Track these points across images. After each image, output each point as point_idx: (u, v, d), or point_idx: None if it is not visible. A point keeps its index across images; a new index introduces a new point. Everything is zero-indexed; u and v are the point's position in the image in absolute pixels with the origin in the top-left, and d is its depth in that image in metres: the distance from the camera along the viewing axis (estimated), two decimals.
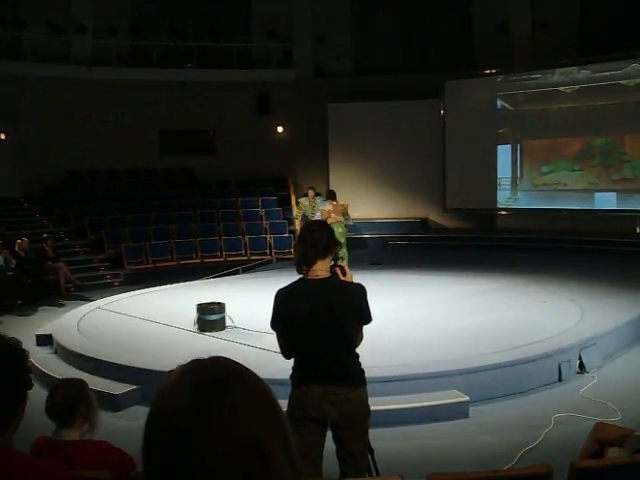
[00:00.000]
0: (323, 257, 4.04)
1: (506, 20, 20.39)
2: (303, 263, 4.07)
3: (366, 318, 4.09)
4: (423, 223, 20.87)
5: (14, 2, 19.72)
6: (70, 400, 3.48)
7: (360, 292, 4.08)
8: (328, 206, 14.35)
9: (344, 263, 4.46)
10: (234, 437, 1.01)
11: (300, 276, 4.13)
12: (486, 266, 14.76)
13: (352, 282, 4.15)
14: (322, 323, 3.96)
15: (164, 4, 21.50)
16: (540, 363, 7.83)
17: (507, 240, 18.40)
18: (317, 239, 4.01)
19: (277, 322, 4.11)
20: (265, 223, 19.08)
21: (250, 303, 10.77)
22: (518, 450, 5.97)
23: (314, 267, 4.04)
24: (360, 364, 4.16)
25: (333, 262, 4.15)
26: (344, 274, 4.13)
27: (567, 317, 9.60)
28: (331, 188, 16.23)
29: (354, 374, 4.10)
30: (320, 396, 4.01)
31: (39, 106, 19.42)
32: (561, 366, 7.90)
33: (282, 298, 4.10)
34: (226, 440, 1.01)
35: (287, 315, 4.06)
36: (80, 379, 3.85)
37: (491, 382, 7.42)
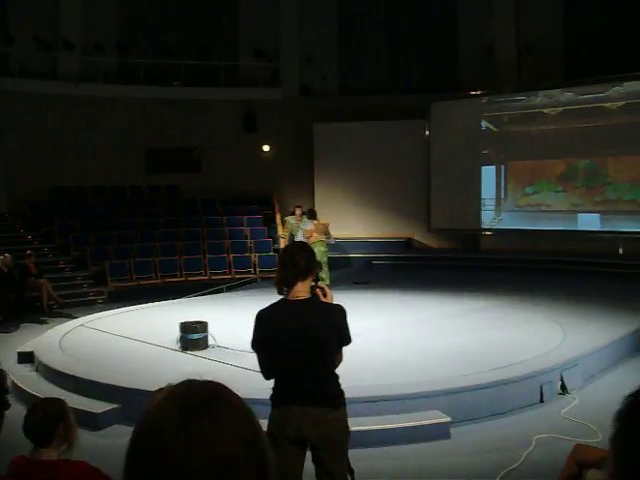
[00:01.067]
0: (304, 278, 4.06)
1: (491, 42, 20.59)
2: (284, 284, 4.10)
3: (345, 339, 4.10)
4: (407, 243, 20.91)
5: (2, 18, 19.75)
6: (49, 420, 3.46)
7: (340, 313, 4.10)
8: (310, 225, 14.40)
9: (325, 284, 4.48)
10: (209, 457, 1.03)
11: (281, 297, 4.15)
12: (469, 286, 14.81)
13: (332, 303, 4.17)
14: (302, 344, 3.97)
15: (152, 22, 21.58)
16: (522, 384, 7.85)
17: (491, 260, 18.49)
18: (298, 260, 4.04)
19: (257, 343, 4.12)
20: (250, 242, 19.06)
21: (233, 322, 10.75)
22: (498, 471, 5.98)
23: (295, 288, 4.06)
24: (340, 385, 4.17)
25: (314, 283, 4.18)
26: (325, 295, 4.16)
27: (549, 338, 9.64)
28: (311, 207, 16.22)
29: (334, 395, 4.11)
30: (299, 417, 4.01)
31: (25, 122, 19.41)
32: (543, 387, 7.93)
33: (262, 319, 4.12)
34: (202, 460, 1.03)
35: (267, 336, 4.07)
36: (59, 398, 3.83)
37: (473, 403, 7.44)
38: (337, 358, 4.12)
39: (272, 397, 4.18)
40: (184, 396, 1.11)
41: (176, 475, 1.03)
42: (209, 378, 1.19)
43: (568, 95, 18.49)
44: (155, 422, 1.08)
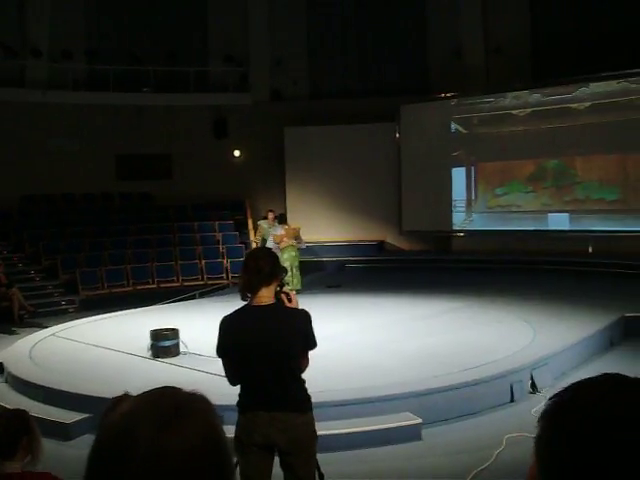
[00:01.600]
0: (268, 284, 4.06)
1: (460, 45, 20.72)
2: (247, 290, 4.10)
3: (311, 343, 4.11)
4: (380, 245, 20.97)
5: None
6: (12, 432, 3.44)
7: (305, 318, 4.10)
8: (280, 230, 14.41)
9: (290, 289, 4.49)
10: (177, 469, 1.03)
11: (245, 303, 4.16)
12: (441, 287, 14.87)
13: (297, 308, 4.18)
14: (267, 349, 3.98)
15: (120, 28, 21.46)
16: (492, 384, 7.91)
17: (463, 262, 18.61)
18: (261, 266, 4.04)
19: (222, 349, 4.13)
20: (222, 247, 19.01)
21: (205, 328, 10.68)
22: (469, 472, 6.02)
23: (259, 294, 4.06)
24: (306, 390, 4.17)
25: (279, 288, 4.18)
26: (290, 300, 4.16)
27: (520, 337, 9.72)
28: (282, 212, 16.23)
29: (300, 400, 4.12)
30: (267, 423, 4.02)
31: None
32: (513, 386, 8.00)
33: (227, 325, 4.12)
34: (169, 471, 1.03)
35: (232, 342, 4.08)
36: (22, 410, 3.80)
37: (444, 404, 7.48)
38: (303, 363, 4.13)
39: (238, 403, 4.18)
40: (156, 405, 1.10)
41: None
42: (184, 386, 1.18)
43: (536, 96, 18.66)
44: (124, 430, 1.07)
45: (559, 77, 18.25)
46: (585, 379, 1.11)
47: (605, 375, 1.12)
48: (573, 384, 1.12)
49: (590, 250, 17.72)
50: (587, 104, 17.79)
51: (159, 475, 1.03)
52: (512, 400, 7.95)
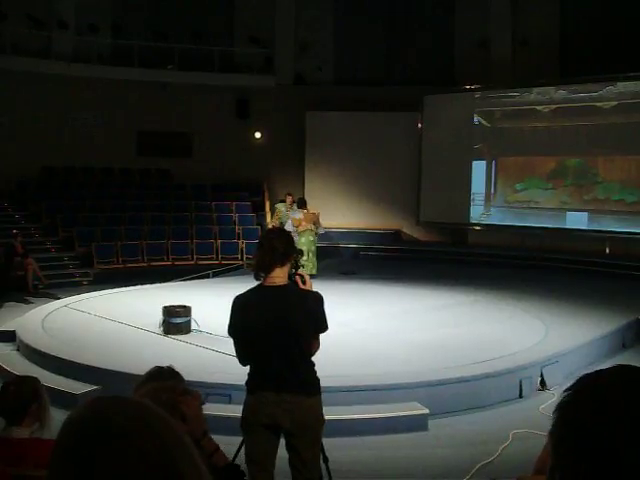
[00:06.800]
0: (281, 264, 4.05)
1: (487, 37, 20.57)
2: (261, 269, 4.09)
3: (322, 326, 4.10)
4: (396, 235, 20.91)
5: None
6: (21, 398, 3.46)
7: (317, 300, 4.09)
8: (299, 214, 14.42)
9: (305, 271, 4.48)
10: None
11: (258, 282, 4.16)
12: (455, 280, 14.83)
13: (309, 290, 4.17)
14: (278, 330, 3.97)
15: (147, 4, 21.46)
16: (501, 379, 7.89)
17: (478, 255, 18.52)
18: (276, 246, 4.03)
19: (234, 328, 4.13)
20: (238, 228, 19.04)
21: (217, 307, 10.70)
22: (474, 465, 6.01)
23: (272, 274, 4.06)
24: (315, 372, 4.17)
25: (294, 270, 4.17)
26: (304, 282, 4.15)
27: (531, 334, 9.68)
28: (300, 196, 16.20)
29: (308, 382, 4.12)
30: (274, 403, 4.02)
31: (17, 100, 19.26)
32: (522, 382, 7.97)
33: (239, 304, 4.12)
34: None
35: (243, 321, 4.08)
36: (33, 377, 3.82)
37: (452, 396, 7.47)
38: (313, 345, 4.12)
39: (247, 383, 4.18)
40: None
41: None
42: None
43: (561, 93, 18.50)
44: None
45: (586, 74, 18.07)
46: (598, 370, 1.12)
47: (617, 366, 1.12)
48: (588, 373, 1.12)
49: (607, 251, 17.60)
50: (613, 103, 17.60)
51: None
52: (520, 396, 7.92)
